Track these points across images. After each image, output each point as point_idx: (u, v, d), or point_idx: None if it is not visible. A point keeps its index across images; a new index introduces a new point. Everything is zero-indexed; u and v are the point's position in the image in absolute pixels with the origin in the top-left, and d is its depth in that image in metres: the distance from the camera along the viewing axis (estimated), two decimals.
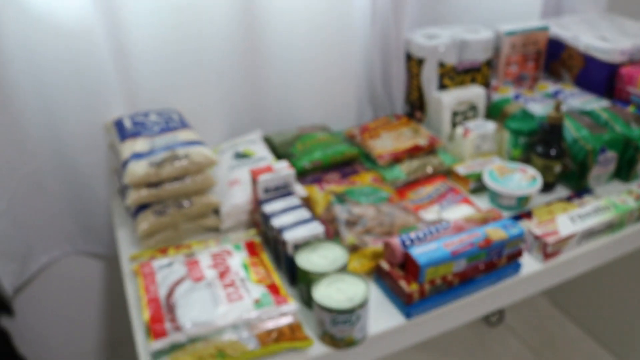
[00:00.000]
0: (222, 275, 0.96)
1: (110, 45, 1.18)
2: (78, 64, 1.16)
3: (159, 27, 1.21)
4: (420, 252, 0.93)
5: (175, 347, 0.85)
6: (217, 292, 0.92)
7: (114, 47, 1.19)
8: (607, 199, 1.17)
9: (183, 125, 1.18)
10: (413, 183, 1.29)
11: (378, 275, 1.02)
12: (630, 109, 1.39)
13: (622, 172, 1.32)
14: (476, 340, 2.15)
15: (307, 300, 0.95)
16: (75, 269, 1.45)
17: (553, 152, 1.24)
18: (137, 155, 1.06)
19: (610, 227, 1.14)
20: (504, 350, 2.11)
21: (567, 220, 1.12)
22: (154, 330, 0.86)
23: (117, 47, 1.19)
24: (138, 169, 1.04)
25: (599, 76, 1.48)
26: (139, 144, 1.09)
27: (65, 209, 1.34)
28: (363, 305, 0.86)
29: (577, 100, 1.42)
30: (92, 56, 1.16)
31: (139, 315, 0.95)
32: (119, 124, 1.17)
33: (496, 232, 0.99)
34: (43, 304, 1.47)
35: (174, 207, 1.09)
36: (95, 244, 1.42)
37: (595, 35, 1.51)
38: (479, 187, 1.27)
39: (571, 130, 1.27)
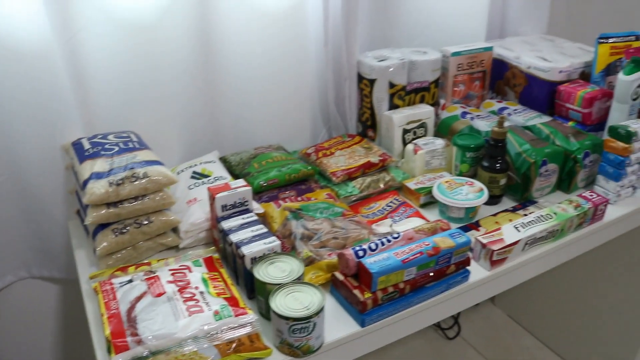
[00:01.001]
0: (182, 289, 0.99)
1: (68, 68, 1.20)
2: (35, 87, 1.17)
3: (116, 49, 1.23)
4: (372, 262, 0.98)
5: None
6: (178, 305, 0.95)
7: (71, 70, 1.21)
8: (549, 209, 1.23)
9: (142, 146, 1.20)
10: (366, 199, 1.34)
11: (333, 285, 1.06)
12: (570, 124, 1.47)
13: (564, 184, 1.39)
14: (434, 353, 2.19)
15: (266, 312, 0.98)
16: (31, 294, 1.44)
17: (498, 165, 1.31)
18: (97, 175, 1.08)
19: (553, 234, 1.21)
20: None
21: (512, 229, 1.17)
22: (116, 345, 0.88)
23: (74, 69, 1.21)
24: (98, 188, 1.06)
25: (541, 94, 1.56)
26: (98, 165, 1.11)
27: (21, 234, 1.34)
28: (319, 313, 0.89)
29: (521, 116, 1.50)
30: (50, 79, 1.17)
31: (99, 332, 0.96)
32: (77, 146, 1.18)
33: (444, 240, 1.04)
34: None
35: (134, 226, 1.11)
36: (51, 268, 1.41)
37: (536, 56, 1.59)
38: (429, 201, 1.33)
39: (515, 144, 1.34)
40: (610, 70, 1.52)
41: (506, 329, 2.31)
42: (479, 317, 2.37)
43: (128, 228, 1.11)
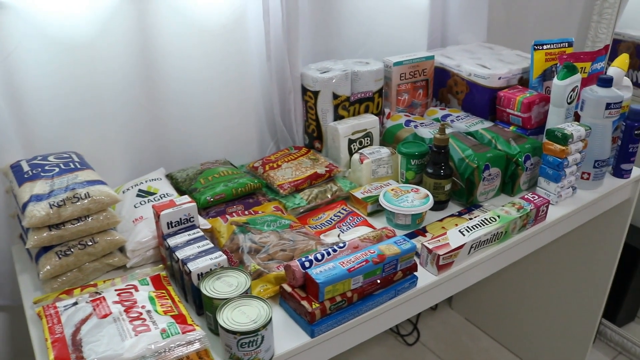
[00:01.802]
0: (128, 309, 0.98)
1: (4, 88, 1.18)
2: None
3: (54, 67, 1.22)
4: (319, 272, 0.98)
5: None
6: (124, 326, 0.93)
7: (7, 90, 1.18)
8: (493, 212, 1.26)
9: (83, 166, 1.18)
10: (314, 209, 1.35)
11: (282, 297, 1.06)
12: (511, 128, 1.51)
13: (507, 187, 1.43)
14: None
15: (215, 328, 0.98)
16: None
17: (442, 171, 1.33)
18: (37, 197, 1.06)
19: (497, 237, 1.23)
20: None
21: (457, 233, 1.20)
22: None
23: (11, 89, 1.19)
24: (38, 211, 1.04)
25: (482, 100, 1.60)
26: (38, 187, 1.09)
27: None
28: (266, 325, 0.89)
29: (463, 122, 1.53)
30: None
31: (44, 358, 0.94)
32: (16, 168, 1.16)
33: (389, 248, 1.05)
34: None
35: (78, 247, 1.09)
36: None
37: (476, 63, 1.63)
38: (377, 210, 1.34)
39: (457, 150, 1.37)
40: (547, 75, 1.57)
41: (464, 332, 2.34)
42: (437, 321, 2.40)
43: (72, 250, 1.09)
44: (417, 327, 2.32)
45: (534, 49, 1.54)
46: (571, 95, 1.38)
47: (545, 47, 1.54)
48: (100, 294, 1.03)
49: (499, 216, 1.25)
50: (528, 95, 1.49)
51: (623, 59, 1.51)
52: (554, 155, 1.33)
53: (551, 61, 1.55)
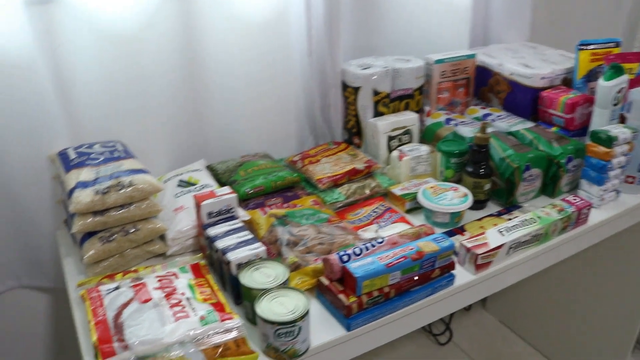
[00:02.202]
0: (168, 296, 1.00)
1: (53, 80, 1.21)
2: (21, 99, 1.18)
3: (101, 59, 1.24)
4: (357, 266, 0.99)
5: None
6: (164, 311, 0.95)
7: (56, 81, 1.22)
8: (533, 213, 1.25)
9: (127, 155, 1.21)
10: (352, 205, 1.36)
11: (319, 290, 1.07)
12: (554, 129, 1.49)
13: (548, 189, 1.41)
14: (425, 358, 2.20)
15: (252, 318, 0.99)
16: (21, 303, 1.44)
17: (482, 171, 1.32)
18: (83, 184, 1.09)
19: (537, 238, 1.22)
20: None
21: (496, 233, 1.19)
22: (103, 351, 0.88)
23: (59, 81, 1.22)
24: (83, 197, 1.07)
25: (524, 100, 1.58)
26: (84, 174, 1.12)
27: (9, 245, 1.34)
28: (304, 317, 0.90)
29: (504, 122, 1.51)
30: (35, 90, 1.18)
31: (87, 339, 0.97)
32: (63, 156, 1.19)
33: (428, 245, 1.05)
34: None
35: (120, 234, 1.12)
36: (40, 278, 1.41)
37: (518, 62, 1.61)
38: (415, 207, 1.34)
39: (498, 150, 1.36)
40: (592, 76, 1.54)
41: (498, 335, 2.32)
42: (470, 322, 2.38)
43: (115, 236, 1.12)
44: (450, 327, 2.31)
45: (579, 49, 1.52)
46: (617, 97, 1.35)
47: (590, 47, 1.52)
48: (141, 279, 1.05)
49: (539, 217, 1.23)
50: (572, 95, 1.47)
51: None
52: (598, 157, 1.31)
53: (597, 61, 1.53)
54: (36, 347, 1.55)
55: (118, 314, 0.96)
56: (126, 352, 0.88)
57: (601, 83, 1.35)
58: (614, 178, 1.34)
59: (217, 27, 1.34)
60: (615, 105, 1.36)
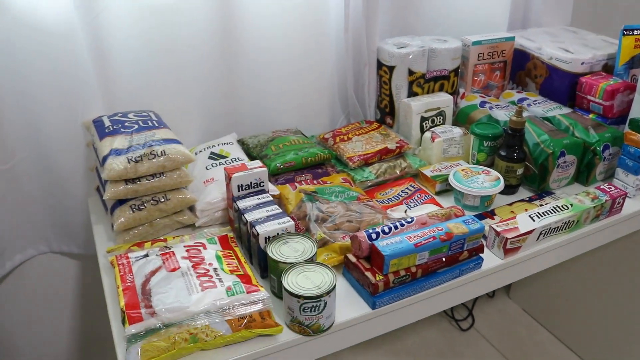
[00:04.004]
0: (196, 265, 1.00)
1: (90, 46, 1.22)
2: (58, 65, 1.19)
3: (138, 29, 1.25)
4: (385, 244, 0.98)
5: (149, 332, 0.88)
6: (191, 280, 0.96)
7: (93, 48, 1.22)
8: (566, 199, 1.23)
9: (161, 124, 1.22)
10: (382, 184, 1.35)
11: (346, 267, 1.07)
12: (591, 116, 1.46)
13: (582, 176, 1.38)
14: (447, 344, 2.19)
15: (278, 291, 0.99)
16: (50, 267, 1.47)
17: (515, 155, 1.30)
18: (116, 152, 1.10)
19: (568, 225, 1.20)
20: (475, 354, 2.16)
21: (527, 218, 1.17)
22: (130, 316, 0.90)
23: (96, 48, 1.23)
24: (117, 165, 1.08)
25: (562, 85, 1.55)
26: (118, 142, 1.13)
27: (42, 210, 1.37)
28: (330, 292, 0.90)
29: (540, 107, 1.49)
30: (72, 56, 1.19)
31: (115, 304, 0.99)
32: (98, 123, 1.20)
33: (457, 226, 1.04)
34: (15, 303, 1.49)
35: (151, 203, 1.13)
36: (70, 244, 1.44)
37: (558, 47, 1.58)
38: (445, 189, 1.33)
39: (533, 134, 1.33)
40: (635, 62, 1.49)
41: (520, 323, 2.30)
42: (493, 309, 2.37)
43: (145, 205, 1.13)
44: (473, 313, 2.30)
45: (623, 34, 1.47)
46: None
47: (635, 32, 1.47)
48: (169, 248, 1.06)
49: (571, 204, 1.21)
50: (612, 82, 1.43)
51: None
52: (637, 146, 1.28)
53: None
54: (64, 311, 1.58)
55: (146, 281, 0.97)
56: (153, 318, 0.89)
57: None
58: None
59: (254, 1, 1.34)
60: None
